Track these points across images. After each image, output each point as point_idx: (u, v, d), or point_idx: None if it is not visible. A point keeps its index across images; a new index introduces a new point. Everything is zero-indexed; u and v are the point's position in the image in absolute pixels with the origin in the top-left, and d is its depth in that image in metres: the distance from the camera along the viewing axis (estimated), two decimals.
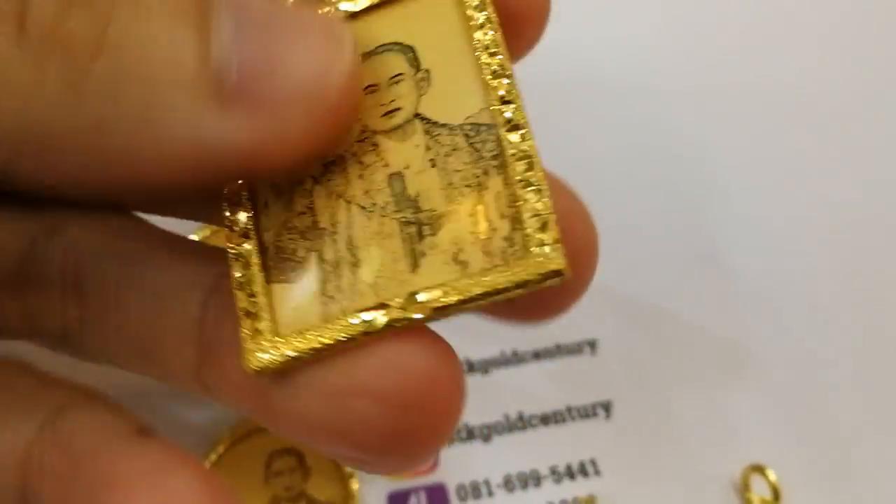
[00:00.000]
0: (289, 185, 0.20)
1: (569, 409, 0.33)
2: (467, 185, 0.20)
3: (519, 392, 0.34)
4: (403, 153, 0.20)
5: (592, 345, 0.34)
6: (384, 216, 0.20)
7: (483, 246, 0.19)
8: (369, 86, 0.21)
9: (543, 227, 0.19)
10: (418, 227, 0.19)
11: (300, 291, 0.20)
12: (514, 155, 0.19)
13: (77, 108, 0.15)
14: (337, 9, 0.21)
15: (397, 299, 0.19)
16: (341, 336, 0.19)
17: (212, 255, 0.21)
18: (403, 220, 0.20)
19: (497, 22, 0.21)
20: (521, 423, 0.33)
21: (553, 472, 0.32)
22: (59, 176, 0.17)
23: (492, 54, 0.20)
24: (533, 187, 0.19)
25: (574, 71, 0.39)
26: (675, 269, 0.36)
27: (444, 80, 0.21)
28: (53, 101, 0.15)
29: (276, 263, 0.20)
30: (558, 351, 0.34)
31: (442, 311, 0.19)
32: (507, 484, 0.32)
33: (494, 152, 0.20)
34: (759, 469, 0.31)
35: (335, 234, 0.20)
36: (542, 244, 0.19)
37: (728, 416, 0.33)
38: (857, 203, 0.37)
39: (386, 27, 0.21)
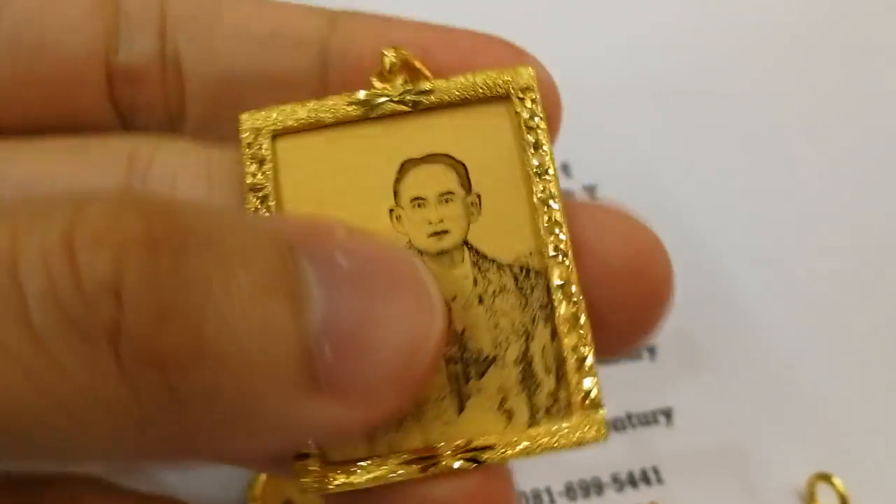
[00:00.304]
0: None
1: (629, 416, 0.34)
2: (514, 332, 0.20)
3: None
4: (450, 282, 0.20)
5: (652, 350, 0.34)
6: None
7: (528, 399, 0.19)
8: (417, 198, 0.20)
9: (588, 393, 0.19)
10: (464, 366, 0.20)
11: None
12: (563, 313, 0.19)
13: (173, 422, 0.15)
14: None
15: (444, 448, 0.19)
16: (388, 475, 0.19)
17: None
18: (449, 356, 0.20)
19: (553, 157, 0.20)
20: None
21: (615, 479, 0.33)
22: (147, 467, 0.17)
23: (546, 194, 0.20)
24: (580, 347, 0.19)
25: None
26: (736, 269, 0.35)
27: (494, 209, 0.20)
28: (147, 420, 0.15)
29: None
30: (617, 357, 0.34)
31: (485, 463, 0.19)
32: (569, 492, 0.32)
33: (542, 302, 0.20)
34: (826, 477, 0.31)
35: None
36: (587, 408, 0.19)
37: (793, 422, 0.33)
38: None
39: (437, 132, 0.21)
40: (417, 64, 0.21)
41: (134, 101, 0.23)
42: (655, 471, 0.33)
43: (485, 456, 0.19)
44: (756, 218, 0.36)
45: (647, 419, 0.33)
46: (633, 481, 0.33)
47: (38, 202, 0.16)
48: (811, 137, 0.37)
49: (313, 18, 0.22)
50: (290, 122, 0.21)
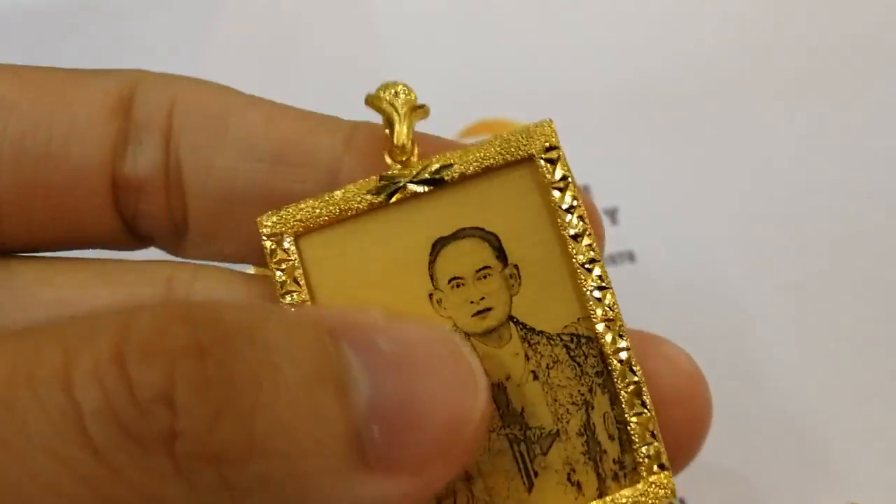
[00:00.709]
0: None
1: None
2: (573, 404, 0.20)
3: None
4: (502, 361, 0.20)
5: None
6: (492, 431, 0.20)
7: (595, 467, 0.19)
8: (455, 278, 0.20)
9: (656, 455, 0.19)
10: (528, 444, 0.20)
11: None
12: (620, 376, 0.19)
13: None
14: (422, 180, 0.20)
15: None
16: None
17: None
18: (512, 436, 0.20)
19: (584, 208, 0.20)
20: None
21: None
22: None
23: (586, 257, 0.20)
24: (641, 410, 0.19)
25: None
26: (760, 296, 0.35)
27: (534, 277, 0.20)
28: None
29: None
30: None
31: None
32: None
33: (597, 369, 0.19)
34: None
35: None
36: (653, 471, 0.19)
37: (825, 451, 0.33)
38: None
39: (463, 206, 0.20)
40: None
41: (137, 209, 0.22)
42: (682, 503, 0.33)
43: None
44: (783, 244, 0.36)
45: None
46: None
47: (87, 318, 0.16)
48: (838, 159, 0.37)
49: (328, 135, 0.22)
50: (310, 221, 0.20)
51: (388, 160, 0.20)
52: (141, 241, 0.23)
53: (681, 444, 0.20)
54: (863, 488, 0.32)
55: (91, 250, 0.23)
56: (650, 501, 0.19)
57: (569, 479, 0.19)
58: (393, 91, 0.20)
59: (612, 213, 0.37)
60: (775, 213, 0.36)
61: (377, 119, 0.21)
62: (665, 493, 0.19)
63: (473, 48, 0.39)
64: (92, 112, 0.21)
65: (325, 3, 0.39)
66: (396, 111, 0.20)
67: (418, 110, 0.20)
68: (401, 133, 0.20)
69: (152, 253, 0.24)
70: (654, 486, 0.19)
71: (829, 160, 0.37)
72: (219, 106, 0.22)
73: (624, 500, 0.19)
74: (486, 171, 0.20)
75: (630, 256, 0.36)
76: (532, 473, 0.20)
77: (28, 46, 0.36)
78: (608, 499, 0.19)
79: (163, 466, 0.15)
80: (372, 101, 0.21)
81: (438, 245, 0.20)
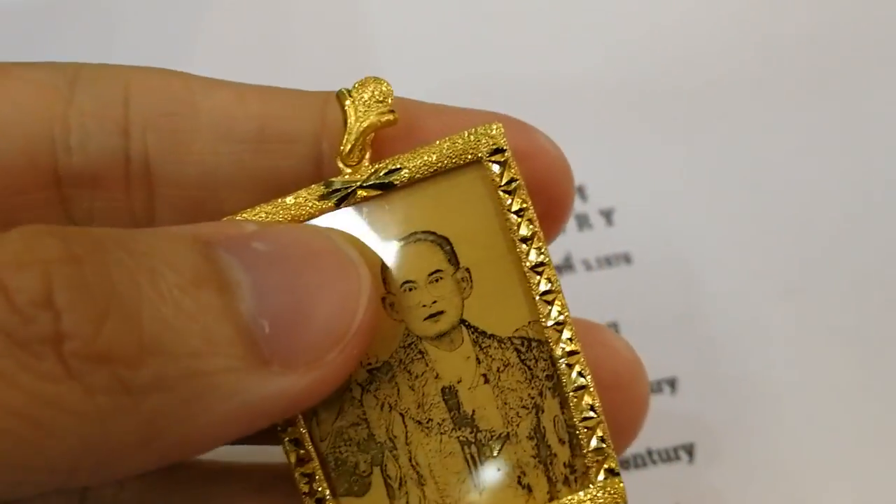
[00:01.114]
0: (335, 392, 0.20)
1: (650, 452, 0.33)
2: (523, 407, 0.20)
3: None
4: (453, 364, 0.20)
5: (672, 383, 0.33)
6: (443, 434, 0.20)
7: (545, 471, 0.19)
8: (407, 282, 0.20)
9: (604, 457, 0.19)
10: (478, 447, 0.20)
11: None
12: (569, 381, 0.19)
13: (130, 413, 0.15)
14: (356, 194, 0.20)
15: None
16: None
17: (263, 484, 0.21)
18: (463, 439, 0.20)
19: (533, 211, 0.20)
20: None
21: None
22: (121, 472, 0.17)
23: (536, 260, 0.20)
24: (589, 415, 0.19)
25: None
26: (762, 300, 0.34)
27: (485, 281, 0.20)
28: (106, 415, 0.15)
29: (340, 476, 0.20)
30: None
31: None
32: None
33: (548, 372, 0.19)
34: None
35: (395, 450, 0.20)
36: (604, 475, 0.19)
37: (819, 459, 0.32)
38: None
39: (417, 209, 0.20)
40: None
41: (91, 206, 0.21)
42: None
43: None
44: (782, 247, 0.35)
45: (669, 455, 0.33)
46: None
47: None
48: (834, 159, 0.36)
49: (306, 108, 0.21)
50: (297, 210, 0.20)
51: (339, 164, 0.20)
52: None
53: (621, 429, 0.21)
54: (862, 493, 0.31)
55: None
56: None
57: (519, 482, 0.19)
58: (364, 91, 0.20)
59: (608, 214, 0.36)
60: (774, 215, 0.35)
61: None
62: (615, 497, 0.19)
63: (467, 46, 0.38)
64: (25, 104, 0.20)
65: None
66: (355, 112, 0.20)
67: (384, 115, 0.20)
68: (349, 139, 0.20)
69: None
70: (604, 490, 0.19)
71: (829, 162, 0.36)
72: (181, 88, 0.21)
73: None
74: (436, 174, 0.20)
75: (626, 258, 0.35)
76: (482, 476, 0.20)
77: (13, 46, 0.36)
78: (558, 502, 0.19)
79: (54, 369, 0.15)
80: (337, 97, 0.20)
81: (391, 248, 0.20)
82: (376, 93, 0.20)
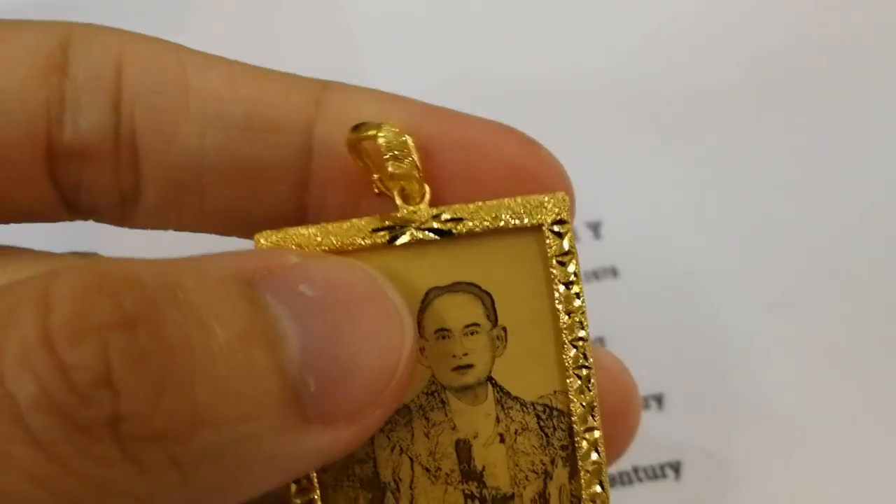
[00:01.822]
0: None
1: (636, 470, 0.32)
2: (533, 471, 0.20)
3: None
4: (473, 419, 0.20)
5: (659, 400, 0.33)
6: (449, 484, 0.20)
7: None
8: (442, 329, 0.20)
9: None
10: (482, 503, 0.20)
11: None
12: (584, 457, 0.20)
13: (180, 488, 0.15)
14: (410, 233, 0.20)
15: None
16: None
17: None
18: (468, 492, 0.20)
19: (582, 294, 0.20)
20: None
21: None
22: None
23: (577, 334, 0.20)
24: (597, 491, 0.19)
25: None
26: (747, 315, 0.33)
27: (520, 344, 0.20)
28: (156, 492, 0.15)
29: None
30: None
31: None
32: None
33: (563, 443, 0.20)
34: None
35: (398, 493, 0.20)
36: None
37: (806, 477, 0.31)
38: None
39: (464, 261, 0.20)
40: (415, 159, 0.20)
41: (80, 180, 0.21)
42: None
43: None
44: (770, 261, 0.34)
45: (655, 473, 0.32)
46: None
47: (1, 294, 0.15)
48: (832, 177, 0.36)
49: (297, 95, 0.20)
50: (307, 248, 0.20)
51: (399, 201, 0.20)
52: (79, 213, 0.22)
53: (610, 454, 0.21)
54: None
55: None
56: None
57: None
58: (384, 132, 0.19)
59: (595, 227, 0.36)
60: (762, 229, 0.35)
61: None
62: None
63: (454, 52, 0.38)
64: (18, 73, 0.20)
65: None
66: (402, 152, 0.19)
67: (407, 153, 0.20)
68: (381, 135, 0.19)
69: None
70: None
71: (820, 174, 0.35)
72: (174, 65, 0.20)
73: None
74: (494, 232, 0.20)
75: (613, 272, 0.35)
76: None
77: None
78: None
79: (110, 452, 0.14)
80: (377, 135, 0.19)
81: (431, 294, 0.20)
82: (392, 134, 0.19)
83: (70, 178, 0.21)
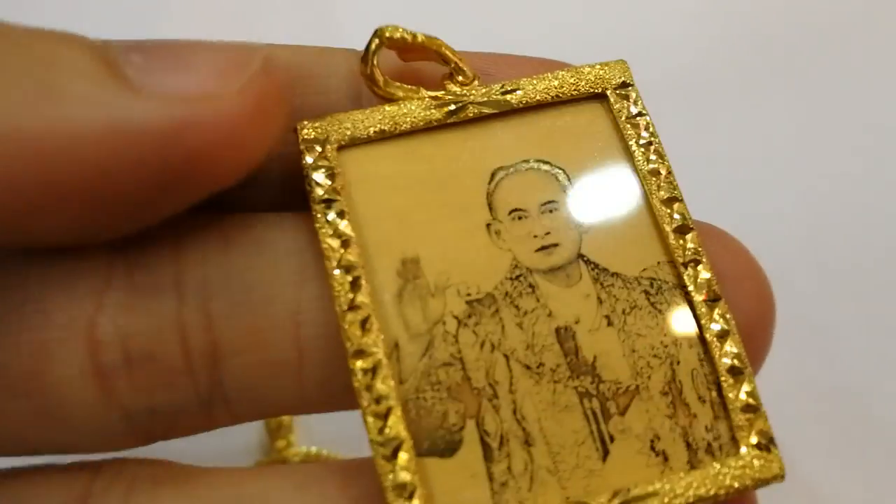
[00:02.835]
0: (425, 323, 0.16)
1: None
2: (655, 356, 0.16)
3: None
4: (570, 302, 0.17)
5: None
6: (557, 382, 0.16)
7: (683, 434, 0.16)
8: (515, 209, 0.17)
9: (753, 421, 0.16)
10: (602, 402, 0.16)
11: (460, 473, 0.15)
12: (711, 330, 0.17)
13: None
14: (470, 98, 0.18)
15: (597, 500, 0.15)
16: None
17: None
18: (583, 390, 0.16)
19: (661, 143, 0.18)
20: None
21: None
22: None
23: (668, 194, 0.18)
24: (736, 368, 0.16)
25: None
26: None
27: (608, 216, 0.17)
28: None
29: (422, 429, 0.16)
30: None
31: None
32: None
33: (683, 319, 0.17)
34: None
35: (496, 399, 0.16)
36: (754, 443, 0.16)
37: (807, 481, 0.30)
38: None
39: (529, 136, 0.18)
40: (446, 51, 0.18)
41: None
42: None
43: None
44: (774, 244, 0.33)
45: None
46: None
47: None
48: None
49: (338, 55, 0.19)
50: (358, 132, 0.17)
51: (448, 84, 0.18)
52: None
53: (751, 341, 0.18)
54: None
55: None
56: (753, 481, 0.16)
57: (652, 448, 0.16)
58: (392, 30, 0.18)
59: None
60: (737, 224, 0.33)
61: None
62: (772, 471, 0.16)
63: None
64: None
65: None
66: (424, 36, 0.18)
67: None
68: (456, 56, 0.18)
69: None
70: (758, 461, 0.16)
71: (796, 164, 0.34)
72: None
73: (721, 478, 0.16)
74: (555, 103, 0.18)
75: None
76: (607, 437, 0.16)
77: None
78: (701, 474, 0.16)
79: None
80: (383, 37, 0.18)
81: (499, 174, 0.18)
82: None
83: None
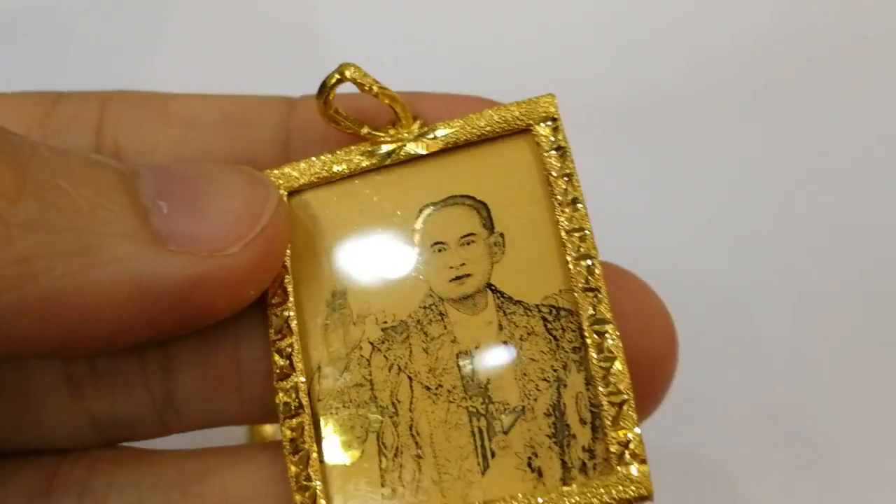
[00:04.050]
0: (345, 348, 0.19)
1: None
2: (545, 380, 0.17)
3: None
4: (473, 329, 0.18)
5: None
6: (451, 402, 0.18)
7: (560, 454, 0.17)
8: (437, 243, 0.19)
9: (628, 444, 0.17)
10: (489, 420, 0.17)
11: (356, 479, 0.18)
12: (597, 353, 0.17)
13: (5, 248, 0.15)
14: (402, 149, 0.20)
15: None
16: None
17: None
18: (473, 409, 0.18)
19: (579, 186, 0.19)
20: None
21: None
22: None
23: (575, 225, 0.18)
24: (619, 395, 0.17)
25: None
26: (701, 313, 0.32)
27: (519, 246, 0.18)
28: None
29: (330, 439, 0.18)
30: None
31: None
32: None
33: (575, 345, 0.18)
34: None
35: (396, 416, 0.18)
36: (627, 463, 0.17)
37: (767, 470, 0.30)
38: None
39: (456, 173, 0.19)
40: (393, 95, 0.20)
41: None
42: None
43: None
44: (725, 261, 0.33)
45: None
46: None
47: None
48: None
49: (271, 103, 0.21)
50: (304, 179, 0.20)
51: (389, 127, 0.20)
52: None
53: (649, 390, 0.19)
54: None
55: None
56: (621, 497, 0.16)
57: (529, 465, 0.17)
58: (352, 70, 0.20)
59: None
60: (719, 228, 0.34)
61: None
62: (639, 489, 0.16)
63: (434, 59, 0.36)
64: (7, 112, 0.21)
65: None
66: (375, 82, 0.20)
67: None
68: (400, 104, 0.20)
69: None
70: (627, 480, 0.17)
71: (777, 175, 0.34)
72: (155, 96, 0.22)
73: (590, 495, 0.17)
74: (483, 141, 0.19)
75: None
76: (489, 453, 0.17)
77: None
78: (570, 490, 0.17)
79: None
80: (343, 75, 0.19)
81: (426, 210, 0.19)
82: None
83: None
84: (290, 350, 0.18)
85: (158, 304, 0.17)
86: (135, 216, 0.16)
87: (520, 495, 0.17)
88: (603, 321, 0.17)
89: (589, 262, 0.18)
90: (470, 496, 0.17)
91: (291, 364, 0.18)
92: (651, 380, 0.19)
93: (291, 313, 0.19)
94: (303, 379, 0.18)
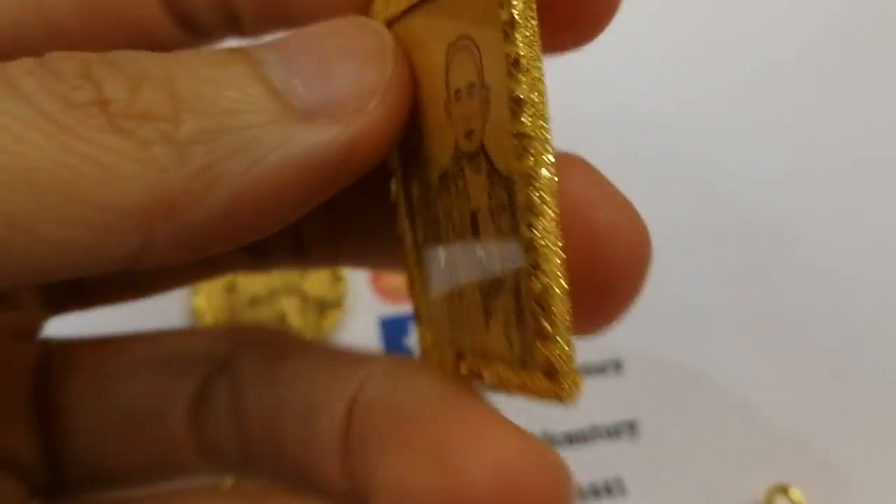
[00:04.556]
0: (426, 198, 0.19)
1: (594, 428, 0.34)
2: (511, 260, 0.16)
3: (543, 410, 0.34)
4: (477, 191, 0.17)
5: (618, 365, 0.35)
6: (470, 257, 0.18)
7: (518, 332, 0.17)
8: (457, 91, 0.17)
9: (546, 337, 0.16)
10: (487, 284, 0.17)
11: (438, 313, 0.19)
12: (538, 254, 0.16)
13: (183, 162, 0.17)
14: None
15: (471, 356, 0.18)
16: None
17: (350, 360, 0.21)
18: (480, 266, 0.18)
19: (539, 53, 0.15)
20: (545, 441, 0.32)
21: (578, 490, 0.33)
22: (192, 235, 0.18)
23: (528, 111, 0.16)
24: (553, 290, 0.15)
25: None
26: (703, 287, 0.36)
27: (498, 107, 0.16)
28: (162, 163, 0.17)
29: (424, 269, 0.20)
30: (584, 370, 0.35)
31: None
32: None
33: (528, 236, 0.16)
34: (783, 489, 0.32)
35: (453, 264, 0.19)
36: (546, 368, 0.16)
37: (752, 435, 0.33)
38: None
39: (462, 11, 0.17)
40: None
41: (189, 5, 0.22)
42: (619, 482, 0.33)
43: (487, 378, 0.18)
44: (721, 243, 0.37)
45: (612, 431, 0.34)
46: (596, 492, 0.33)
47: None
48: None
49: None
50: (394, 8, 0.19)
51: None
52: (201, 36, 0.23)
53: (622, 283, 0.18)
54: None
55: None
56: (539, 394, 0.16)
57: (506, 333, 0.17)
58: None
59: None
60: (716, 211, 0.38)
61: None
62: (556, 394, 0.15)
63: None
64: None
65: None
66: None
67: None
68: None
69: None
70: (543, 381, 0.16)
71: (774, 155, 0.39)
72: None
73: (526, 380, 0.16)
74: None
75: None
76: (488, 313, 0.18)
77: None
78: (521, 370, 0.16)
79: (107, 125, 0.17)
80: None
81: (450, 50, 0.18)
82: None
83: (180, 6, 0.22)
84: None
85: (322, 174, 0.18)
86: (276, 103, 0.17)
87: (499, 358, 0.17)
88: (540, 212, 0.15)
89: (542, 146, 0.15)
90: (478, 343, 0.18)
91: None
92: (623, 277, 0.17)
93: None
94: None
